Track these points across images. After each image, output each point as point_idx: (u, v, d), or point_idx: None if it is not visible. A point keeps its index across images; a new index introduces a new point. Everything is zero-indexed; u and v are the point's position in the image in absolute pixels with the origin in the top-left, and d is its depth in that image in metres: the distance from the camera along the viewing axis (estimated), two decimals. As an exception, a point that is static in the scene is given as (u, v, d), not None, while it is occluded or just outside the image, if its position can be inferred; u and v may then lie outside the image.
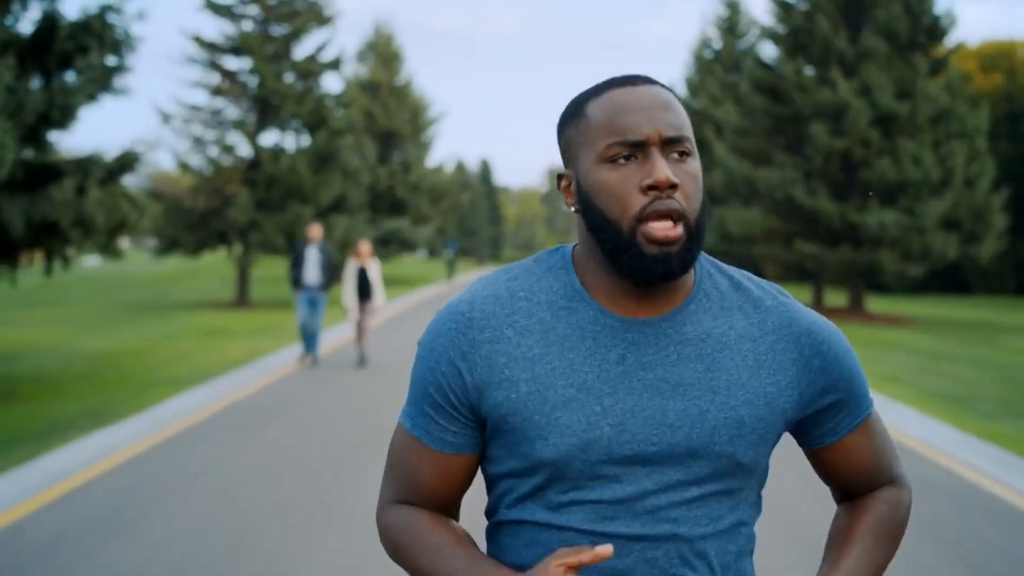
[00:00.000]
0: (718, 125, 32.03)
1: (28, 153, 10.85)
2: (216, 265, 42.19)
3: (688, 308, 1.50)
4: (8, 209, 9.98)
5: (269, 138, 28.15)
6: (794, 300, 1.59)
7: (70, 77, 11.24)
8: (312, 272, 13.26)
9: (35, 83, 11.07)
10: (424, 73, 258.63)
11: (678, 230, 1.41)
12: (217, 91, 26.88)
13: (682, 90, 42.36)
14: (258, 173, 26.09)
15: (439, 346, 1.50)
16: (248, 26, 27.47)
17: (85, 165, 11.05)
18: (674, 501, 1.47)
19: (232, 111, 27.20)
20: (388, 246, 37.89)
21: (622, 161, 1.43)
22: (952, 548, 5.74)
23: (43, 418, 9.67)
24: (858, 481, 1.64)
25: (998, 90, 42.39)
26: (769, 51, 29.33)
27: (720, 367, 1.49)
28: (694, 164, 1.46)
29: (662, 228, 1.41)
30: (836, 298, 33.48)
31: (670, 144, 1.44)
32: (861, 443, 1.61)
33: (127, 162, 11.51)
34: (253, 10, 27.54)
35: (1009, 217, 28.94)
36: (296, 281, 13.32)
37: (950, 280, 43.39)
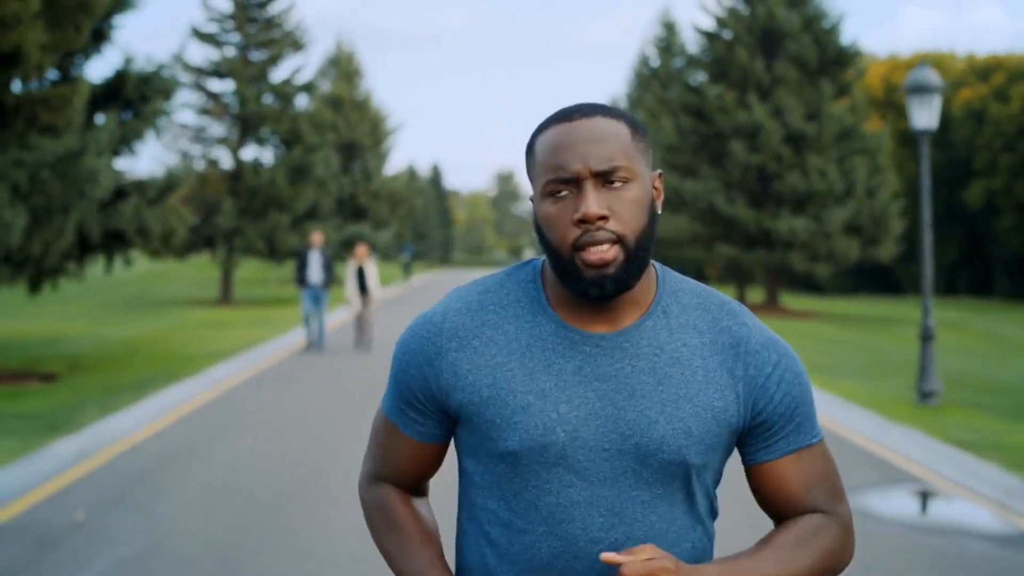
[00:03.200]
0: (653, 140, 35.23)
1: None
2: (187, 267, 44.83)
3: (645, 324, 1.57)
4: (89, 221, 13.03)
5: (250, 152, 31.16)
6: (753, 320, 1.63)
7: (126, 116, 14.32)
8: (315, 272, 15.89)
9: (99, 120, 14.13)
10: (375, 76, 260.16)
11: (613, 251, 1.49)
12: (203, 111, 29.88)
13: (623, 105, 45.79)
14: (240, 184, 29.09)
15: (410, 351, 1.63)
16: (231, 52, 30.42)
17: (141, 186, 14.13)
18: (627, 505, 1.54)
19: (216, 128, 30.23)
20: (351, 249, 40.85)
21: (562, 195, 1.51)
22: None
23: (122, 380, 12.70)
24: (787, 508, 1.63)
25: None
26: (696, 76, 32.62)
27: (671, 381, 1.54)
28: (632, 190, 1.51)
29: (597, 251, 1.48)
30: (756, 295, 37.05)
31: (603, 175, 1.49)
32: (795, 470, 1.61)
33: (171, 184, 14.60)
34: (235, 38, 30.54)
35: (908, 222, 32.46)
36: (301, 280, 15.91)
37: (884, 282, 45.86)
